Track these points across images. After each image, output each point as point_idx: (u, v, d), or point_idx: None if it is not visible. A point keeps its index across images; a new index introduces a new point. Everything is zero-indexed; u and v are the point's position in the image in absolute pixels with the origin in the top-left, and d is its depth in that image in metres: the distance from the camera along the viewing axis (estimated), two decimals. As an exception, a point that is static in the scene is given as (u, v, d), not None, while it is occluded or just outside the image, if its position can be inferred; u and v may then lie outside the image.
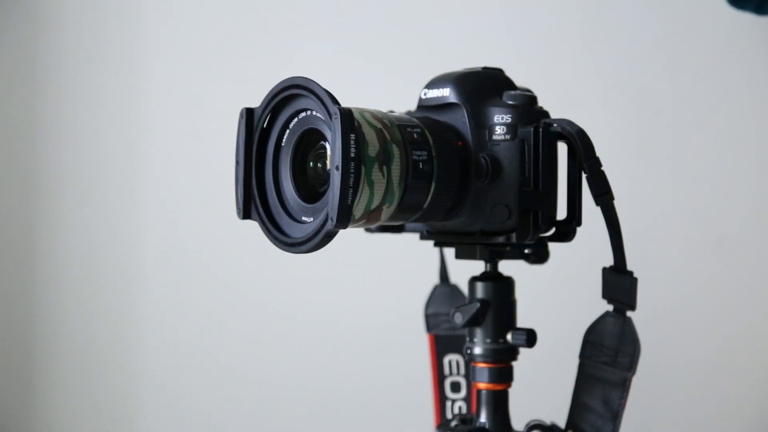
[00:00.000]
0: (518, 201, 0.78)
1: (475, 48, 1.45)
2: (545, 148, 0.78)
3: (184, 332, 1.59)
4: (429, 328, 1.01)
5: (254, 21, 1.57)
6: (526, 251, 0.87)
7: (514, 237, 0.80)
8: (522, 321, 0.86)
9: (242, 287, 1.56)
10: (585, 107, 1.37)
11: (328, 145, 0.72)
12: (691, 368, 1.37)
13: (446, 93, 0.81)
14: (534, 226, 0.79)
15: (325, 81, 0.70)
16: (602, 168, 0.78)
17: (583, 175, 0.78)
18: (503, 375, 0.85)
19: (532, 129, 0.78)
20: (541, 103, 0.82)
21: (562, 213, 0.81)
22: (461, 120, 0.80)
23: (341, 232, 0.69)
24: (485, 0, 1.46)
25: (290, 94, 0.72)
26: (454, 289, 1.00)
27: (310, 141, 0.74)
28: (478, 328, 0.84)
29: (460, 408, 0.99)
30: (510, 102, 0.80)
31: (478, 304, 0.84)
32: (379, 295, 1.49)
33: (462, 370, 0.99)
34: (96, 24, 1.63)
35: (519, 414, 0.88)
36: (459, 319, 0.84)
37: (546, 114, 0.81)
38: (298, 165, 0.74)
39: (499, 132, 0.79)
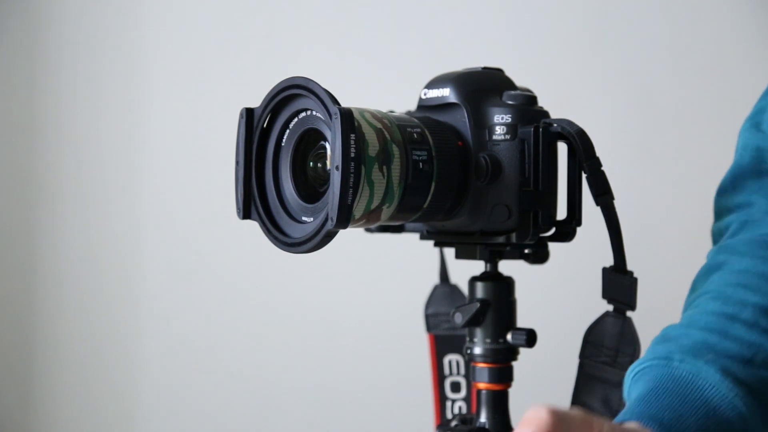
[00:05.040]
0: (518, 201, 0.78)
1: (475, 48, 1.45)
2: (545, 148, 0.78)
3: (184, 332, 1.59)
4: (429, 328, 1.01)
5: (254, 21, 1.57)
6: (526, 251, 0.87)
7: (514, 237, 0.79)
8: (522, 321, 0.86)
9: (242, 287, 1.56)
10: (585, 107, 1.37)
11: (328, 145, 0.72)
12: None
13: (446, 93, 0.81)
14: (534, 226, 0.79)
15: (325, 81, 0.70)
16: (602, 168, 0.78)
17: (583, 175, 0.78)
18: (503, 375, 0.85)
19: (532, 129, 0.78)
20: (541, 103, 0.82)
21: (562, 213, 0.81)
22: (461, 120, 0.80)
23: (341, 232, 0.69)
24: (485, 0, 1.46)
25: (290, 94, 0.72)
26: (454, 289, 1.00)
27: (310, 141, 0.74)
28: (478, 328, 0.84)
29: (460, 408, 0.99)
30: (510, 102, 0.80)
31: (478, 304, 0.83)
32: (379, 295, 1.49)
33: (462, 370, 0.99)
34: (96, 24, 1.63)
35: (519, 414, 0.87)
36: (459, 319, 0.84)
37: (546, 114, 0.81)
38: (298, 165, 0.74)
39: (499, 132, 0.79)
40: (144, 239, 1.61)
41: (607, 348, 0.80)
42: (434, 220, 0.80)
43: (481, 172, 0.78)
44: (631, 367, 0.71)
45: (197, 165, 1.58)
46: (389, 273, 1.48)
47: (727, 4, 1.33)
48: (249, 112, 0.74)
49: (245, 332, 1.56)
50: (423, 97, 0.83)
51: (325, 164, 0.73)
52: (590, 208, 0.79)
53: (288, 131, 0.74)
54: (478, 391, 0.86)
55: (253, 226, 0.76)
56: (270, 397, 1.55)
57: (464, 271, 0.89)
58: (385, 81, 1.47)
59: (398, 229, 0.88)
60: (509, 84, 0.83)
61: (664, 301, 1.35)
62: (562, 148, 0.80)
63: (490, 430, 0.85)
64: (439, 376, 1.00)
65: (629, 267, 0.79)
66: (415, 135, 0.75)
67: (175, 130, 1.60)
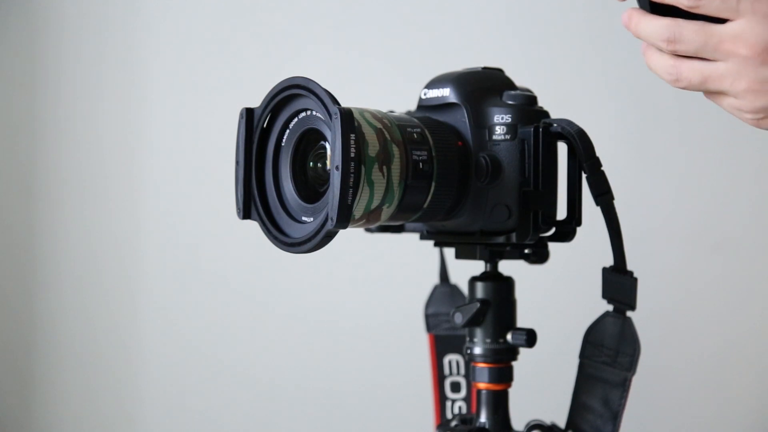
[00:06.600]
0: (518, 201, 0.78)
1: (475, 48, 1.45)
2: (545, 148, 0.78)
3: (184, 332, 1.59)
4: (429, 328, 1.01)
5: (254, 21, 1.57)
6: (526, 251, 0.87)
7: (514, 237, 0.79)
8: (522, 321, 0.86)
9: (242, 287, 1.56)
10: (585, 107, 1.37)
11: (328, 145, 0.72)
12: (691, 368, 1.37)
13: (446, 93, 0.81)
14: (534, 226, 0.79)
15: (325, 81, 0.70)
16: (602, 168, 0.78)
17: (583, 175, 0.78)
18: (503, 375, 0.85)
19: (532, 129, 0.78)
20: (541, 103, 0.82)
21: (562, 213, 0.81)
22: (461, 120, 0.80)
23: (341, 232, 0.69)
24: (485, 0, 1.46)
25: (290, 94, 0.72)
26: (454, 289, 1.00)
27: (310, 141, 0.74)
28: (478, 328, 0.84)
29: (460, 408, 0.99)
30: (510, 102, 0.80)
31: (478, 304, 0.84)
32: (379, 295, 1.49)
33: (462, 370, 0.99)
34: (96, 24, 1.63)
35: (519, 414, 0.88)
36: (459, 319, 0.84)
37: (546, 114, 0.81)
38: (298, 165, 0.74)
39: (499, 132, 0.79)
40: (144, 239, 1.61)
41: (607, 348, 0.80)
42: (434, 220, 0.80)
43: (481, 172, 0.78)
44: None
45: (197, 165, 1.58)
46: (389, 273, 1.48)
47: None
48: (249, 112, 0.74)
49: (245, 332, 1.56)
50: (423, 97, 0.83)
51: (325, 164, 0.73)
52: (590, 208, 0.79)
53: (288, 131, 0.74)
54: (478, 391, 0.86)
55: (253, 226, 0.76)
56: (269, 397, 1.55)
57: (464, 271, 0.89)
58: (385, 81, 1.47)
59: (398, 229, 0.88)
60: (509, 84, 0.83)
61: (664, 301, 1.36)
62: (562, 148, 0.80)
63: (490, 430, 0.85)
64: (439, 376, 1.00)
65: (629, 267, 0.79)
66: (415, 135, 0.75)
67: (175, 130, 1.60)
